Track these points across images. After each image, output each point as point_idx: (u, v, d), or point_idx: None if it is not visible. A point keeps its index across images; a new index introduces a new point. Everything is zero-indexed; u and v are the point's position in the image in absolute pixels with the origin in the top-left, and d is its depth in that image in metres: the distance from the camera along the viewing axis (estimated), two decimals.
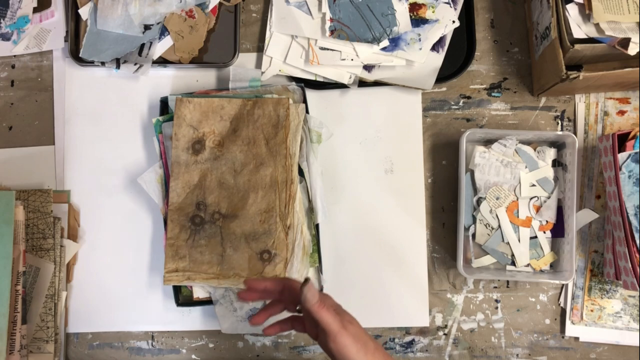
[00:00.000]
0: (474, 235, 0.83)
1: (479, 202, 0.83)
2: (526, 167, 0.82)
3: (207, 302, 0.82)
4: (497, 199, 0.82)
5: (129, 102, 0.88)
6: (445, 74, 0.86)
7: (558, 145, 0.84)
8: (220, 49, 0.87)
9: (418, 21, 0.85)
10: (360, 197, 0.86)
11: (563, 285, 0.84)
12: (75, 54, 0.87)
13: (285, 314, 0.67)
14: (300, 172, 0.82)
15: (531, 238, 0.82)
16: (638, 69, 0.74)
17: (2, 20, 0.87)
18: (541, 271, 0.82)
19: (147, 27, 0.85)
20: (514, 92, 0.88)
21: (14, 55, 0.88)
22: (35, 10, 0.88)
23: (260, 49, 0.88)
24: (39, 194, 0.83)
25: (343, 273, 0.85)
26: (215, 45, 0.88)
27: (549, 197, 0.82)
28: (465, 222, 0.83)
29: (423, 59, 0.85)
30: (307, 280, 0.58)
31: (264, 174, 0.80)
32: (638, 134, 0.78)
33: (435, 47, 0.85)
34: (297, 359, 0.85)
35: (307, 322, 0.64)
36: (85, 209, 0.86)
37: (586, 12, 0.74)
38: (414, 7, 0.85)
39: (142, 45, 0.86)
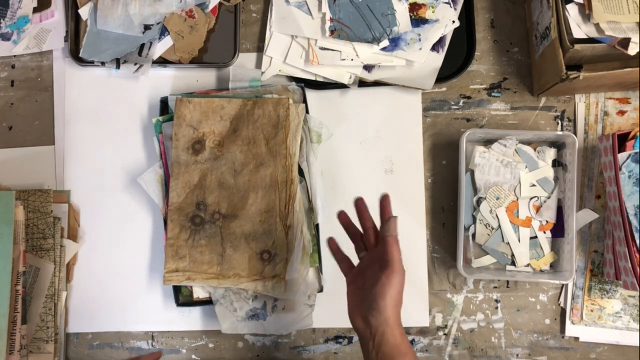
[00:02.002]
0: (474, 235, 0.83)
1: (479, 202, 0.83)
2: (526, 167, 0.82)
3: (207, 302, 0.82)
4: (497, 199, 0.82)
5: (129, 102, 0.88)
6: (445, 74, 0.86)
7: (558, 145, 0.84)
8: (220, 49, 0.87)
9: (418, 21, 0.85)
10: None
11: (563, 285, 0.84)
12: (75, 54, 0.87)
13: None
14: (300, 172, 0.82)
15: (531, 238, 0.82)
16: (638, 69, 0.74)
17: (2, 20, 0.87)
18: (541, 271, 0.82)
19: (147, 27, 0.85)
20: (514, 92, 0.88)
21: (14, 55, 0.88)
22: (35, 10, 0.88)
23: (260, 49, 0.88)
24: (39, 194, 0.83)
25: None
26: (215, 45, 0.88)
27: (549, 197, 0.82)
28: (465, 222, 0.83)
29: (423, 59, 0.85)
30: (396, 216, 0.65)
31: (264, 174, 0.80)
32: (638, 134, 0.78)
33: (435, 47, 0.85)
34: (297, 359, 0.85)
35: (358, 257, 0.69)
36: (85, 209, 0.86)
37: (586, 12, 0.74)
38: (414, 7, 0.85)
39: (142, 45, 0.86)
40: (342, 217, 0.71)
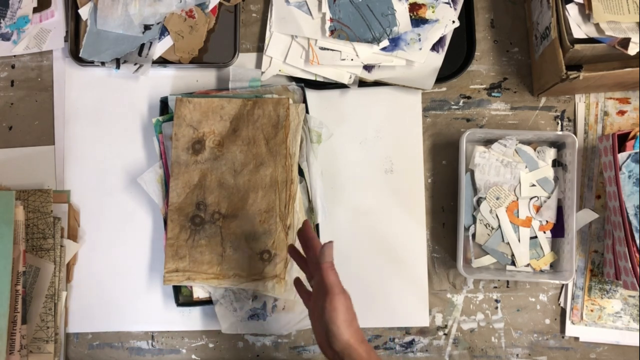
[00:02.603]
0: (474, 235, 0.83)
1: (479, 202, 0.83)
2: (526, 167, 0.82)
3: (207, 302, 0.82)
4: (497, 199, 0.82)
5: (129, 102, 0.88)
6: (445, 74, 0.86)
7: (558, 145, 0.84)
8: (220, 49, 0.87)
9: (418, 21, 0.85)
10: (360, 197, 0.86)
11: (563, 285, 0.84)
12: (75, 54, 0.87)
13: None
14: (300, 172, 0.82)
15: (531, 238, 0.82)
16: (638, 69, 0.74)
17: (2, 20, 0.87)
18: (541, 271, 0.82)
19: (147, 27, 0.85)
20: (514, 92, 0.88)
21: (14, 55, 0.88)
22: (35, 10, 0.88)
23: (260, 49, 0.88)
24: (39, 194, 0.83)
25: (343, 273, 0.84)
26: (215, 45, 0.88)
27: (549, 197, 0.82)
28: (465, 222, 0.83)
29: (423, 59, 0.85)
30: (330, 242, 0.64)
31: (264, 174, 0.80)
32: (638, 134, 0.78)
33: (435, 47, 0.85)
34: (297, 359, 0.85)
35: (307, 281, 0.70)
36: (85, 209, 0.86)
37: (586, 12, 0.74)
38: (414, 7, 0.85)
39: (142, 45, 0.86)
40: (290, 250, 0.72)
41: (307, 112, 0.83)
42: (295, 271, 0.79)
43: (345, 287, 0.68)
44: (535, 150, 0.83)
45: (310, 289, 0.69)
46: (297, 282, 0.73)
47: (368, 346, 0.61)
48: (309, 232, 0.68)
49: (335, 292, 0.61)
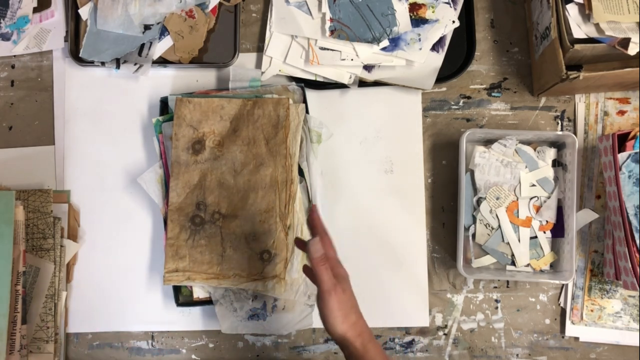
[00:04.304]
0: (474, 235, 0.83)
1: (479, 202, 0.83)
2: (526, 167, 0.82)
3: (207, 302, 0.82)
4: (497, 199, 0.82)
5: (129, 102, 0.88)
6: (445, 74, 0.86)
7: (558, 145, 0.84)
8: (220, 49, 0.87)
9: (418, 21, 0.85)
10: (360, 197, 0.86)
11: (563, 285, 0.84)
12: (75, 54, 0.87)
13: None
14: (300, 172, 0.82)
15: (531, 238, 0.82)
16: (638, 69, 0.74)
17: (2, 20, 0.87)
18: (541, 271, 0.82)
19: (147, 27, 0.85)
20: (514, 92, 0.88)
21: (14, 55, 0.88)
22: (35, 10, 0.88)
23: (260, 49, 0.88)
24: (39, 194, 0.83)
25: None
26: (215, 45, 0.88)
27: (549, 197, 0.82)
28: (465, 222, 0.83)
29: (423, 59, 0.85)
30: (315, 238, 0.61)
31: (264, 174, 0.80)
32: (638, 134, 0.78)
33: (435, 47, 0.85)
34: (297, 359, 0.85)
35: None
36: (85, 209, 0.86)
37: (586, 12, 0.74)
38: (414, 7, 0.85)
39: (142, 45, 0.86)
40: (297, 242, 0.73)
41: (307, 112, 0.83)
42: (295, 271, 0.79)
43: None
44: (535, 150, 0.83)
45: None
46: (306, 269, 0.73)
47: (365, 339, 0.61)
48: (312, 220, 0.66)
49: (324, 289, 0.60)
